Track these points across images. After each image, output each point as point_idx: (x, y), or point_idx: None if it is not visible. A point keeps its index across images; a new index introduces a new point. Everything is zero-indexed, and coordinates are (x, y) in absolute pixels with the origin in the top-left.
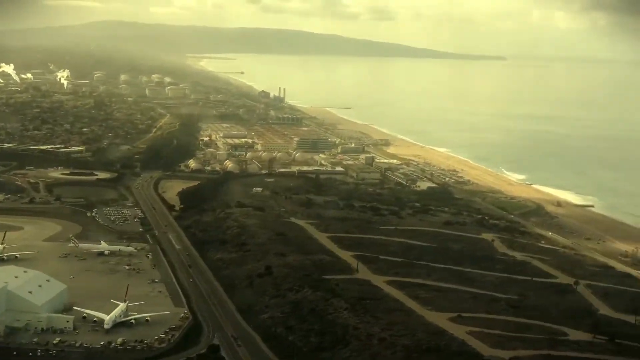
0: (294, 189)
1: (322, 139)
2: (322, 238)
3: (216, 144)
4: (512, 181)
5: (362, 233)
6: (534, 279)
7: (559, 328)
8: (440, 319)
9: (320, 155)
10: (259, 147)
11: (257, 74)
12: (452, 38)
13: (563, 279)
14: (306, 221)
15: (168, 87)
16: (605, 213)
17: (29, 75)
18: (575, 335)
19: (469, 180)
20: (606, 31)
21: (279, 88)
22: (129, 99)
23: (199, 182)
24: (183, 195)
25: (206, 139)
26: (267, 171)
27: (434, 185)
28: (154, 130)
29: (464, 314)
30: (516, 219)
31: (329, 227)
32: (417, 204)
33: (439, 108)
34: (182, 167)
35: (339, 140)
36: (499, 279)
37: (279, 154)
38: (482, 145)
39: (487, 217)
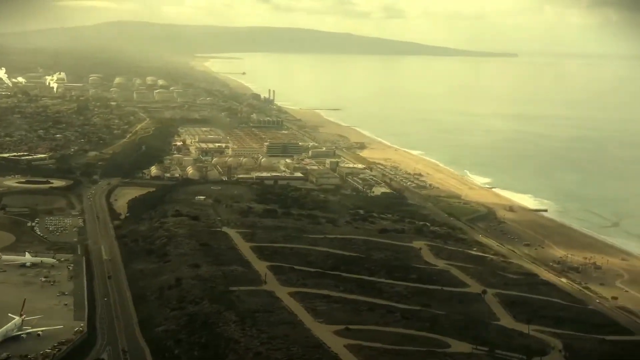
0: (238, 196)
1: (292, 143)
2: (245, 248)
3: (188, 149)
4: (474, 185)
5: (288, 242)
6: (444, 288)
7: (444, 339)
8: (325, 332)
9: (287, 160)
10: (229, 151)
11: (259, 74)
12: (463, 35)
13: (475, 288)
14: (237, 230)
15: (157, 91)
16: (556, 218)
17: (20, 79)
18: (457, 346)
19: (429, 185)
20: (619, 27)
21: (269, 90)
22: (113, 103)
23: (153, 190)
24: (132, 203)
25: (179, 144)
26: (226, 177)
27: (388, 190)
28: (129, 135)
29: (352, 327)
30: (460, 225)
31: (255, 236)
32: (361, 211)
33: (431, 108)
34: (144, 174)
35: (311, 144)
36: (408, 288)
37: (245, 159)
38: (457, 148)
39: (428, 224)
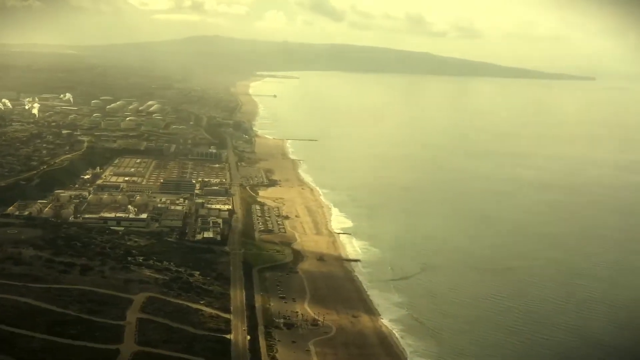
0: (24, 240)
1: (185, 180)
2: None
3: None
4: (323, 231)
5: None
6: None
7: None
8: None
9: (169, 198)
10: (124, 187)
11: (295, 96)
12: (540, 56)
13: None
14: None
15: (128, 118)
16: (363, 269)
17: (5, 100)
18: None
19: (279, 229)
20: None
21: (247, 120)
22: (66, 131)
23: None
24: None
25: (87, 176)
26: (73, 217)
27: (212, 235)
28: (44, 167)
29: None
30: (240, 276)
31: None
32: (140, 258)
33: (407, 141)
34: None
35: (207, 180)
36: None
37: (139, 197)
38: (366, 187)
39: (196, 273)
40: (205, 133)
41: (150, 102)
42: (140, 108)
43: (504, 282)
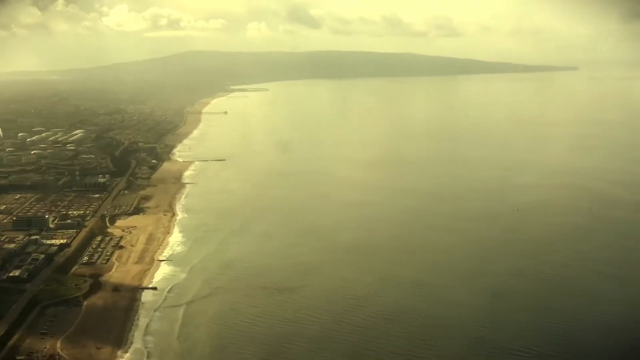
0: None
1: (37, 217)
2: None
3: None
4: (146, 260)
5: None
6: None
7: None
8: None
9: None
10: None
11: (248, 112)
12: (524, 49)
13: None
14: None
15: (33, 152)
16: None
17: None
18: None
19: (91, 263)
20: None
21: (175, 142)
22: None
23: None
24: None
25: None
26: None
27: None
28: None
29: None
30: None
31: None
32: None
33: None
34: None
35: (69, 213)
36: None
37: None
38: (239, 209)
39: None
40: (109, 162)
41: (76, 132)
42: (60, 139)
43: (282, 302)
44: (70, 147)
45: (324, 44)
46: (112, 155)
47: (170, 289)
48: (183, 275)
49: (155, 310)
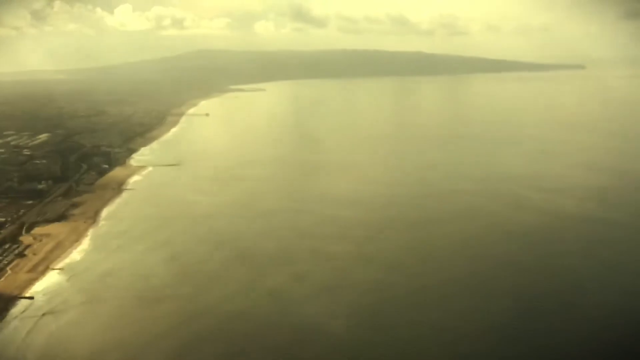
0: None
1: None
2: None
3: None
4: (39, 269)
5: None
6: None
7: None
8: None
9: None
10: None
11: (232, 113)
12: (531, 48)
13: None
14: None
15: None
16: None
17: None
18: None
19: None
20: None
21: (141, 145)
22: None
23: None
24: None
25: None
26: None
27: None
28: None
29: None
30: None
31: None
32: None
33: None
34: None
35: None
36: None
37: None
38: (167, 217)
39: None
40: (59, 167)
41: (41, 135)
42: (21, 143)
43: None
44: (26, 152)
45: (331, 42)
46: (66, 160)
47: (48, 299)
48: (65, 285)
49: (14, 319)
